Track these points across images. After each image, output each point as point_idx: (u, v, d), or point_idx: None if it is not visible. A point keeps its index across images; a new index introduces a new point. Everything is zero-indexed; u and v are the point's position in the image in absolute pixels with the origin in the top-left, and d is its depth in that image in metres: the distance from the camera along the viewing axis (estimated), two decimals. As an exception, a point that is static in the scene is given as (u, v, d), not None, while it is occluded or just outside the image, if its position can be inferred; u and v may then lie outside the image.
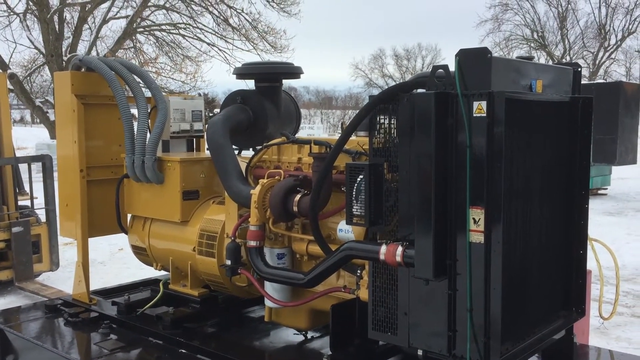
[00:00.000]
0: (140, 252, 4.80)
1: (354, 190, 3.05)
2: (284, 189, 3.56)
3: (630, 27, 42.41)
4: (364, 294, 3.33)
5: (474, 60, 2.70)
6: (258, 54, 27.41)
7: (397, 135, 2.95)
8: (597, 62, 43.07)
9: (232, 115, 4.21)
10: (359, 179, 3.03)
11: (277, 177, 3.72)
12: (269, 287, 3.79)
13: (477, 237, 2.71)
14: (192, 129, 5.10)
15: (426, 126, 2.74)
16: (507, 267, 2.73)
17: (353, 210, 3.05)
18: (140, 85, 4.76)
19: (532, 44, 43.42)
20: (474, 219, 2.72)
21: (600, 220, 12.73)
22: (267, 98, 4.34)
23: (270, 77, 4.39)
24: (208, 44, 28.05)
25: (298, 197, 3.52)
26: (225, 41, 27.79)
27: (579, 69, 3.40)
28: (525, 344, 2.97)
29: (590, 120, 3.33)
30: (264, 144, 3.98)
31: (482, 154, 2.67)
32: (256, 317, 4.61)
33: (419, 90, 2.94)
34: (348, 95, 71.70)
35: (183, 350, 3.91)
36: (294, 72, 4.44)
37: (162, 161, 4.44)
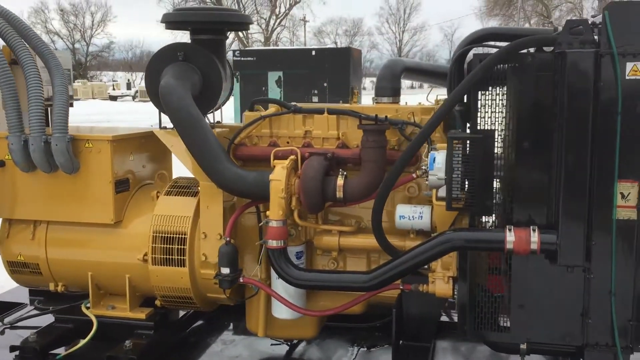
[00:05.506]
0: (22, 271, 3.40)
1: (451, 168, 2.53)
2: (321, 172, 2.80)
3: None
4: (441, 289, 2.81)
5: (629, 14, 2.40)
6: None
7: (517, 101, 2.49)
8: (270, 28, 45.74)
9: (184, 76, 3.16)
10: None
11: (292, 157, 2.90)
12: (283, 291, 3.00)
13: (625, 214, 2.45)
14: (64, 95, 3.78)
15: (582, 89, 2.38)
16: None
17: (454, 193, 2.53)
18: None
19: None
20: (622, 193, 2.45)
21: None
22: (214, 54, 3.37)
23: (215, 27, 3.40)
24: None
25: (341, 180, 2.80)
26: None
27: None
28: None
29: None
30: (262, 115, 3.08)
31: (637, 121, 2.40)
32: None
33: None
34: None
35: None
36: (243, 21, 3.54)
37: (78, 141, 3.16)
